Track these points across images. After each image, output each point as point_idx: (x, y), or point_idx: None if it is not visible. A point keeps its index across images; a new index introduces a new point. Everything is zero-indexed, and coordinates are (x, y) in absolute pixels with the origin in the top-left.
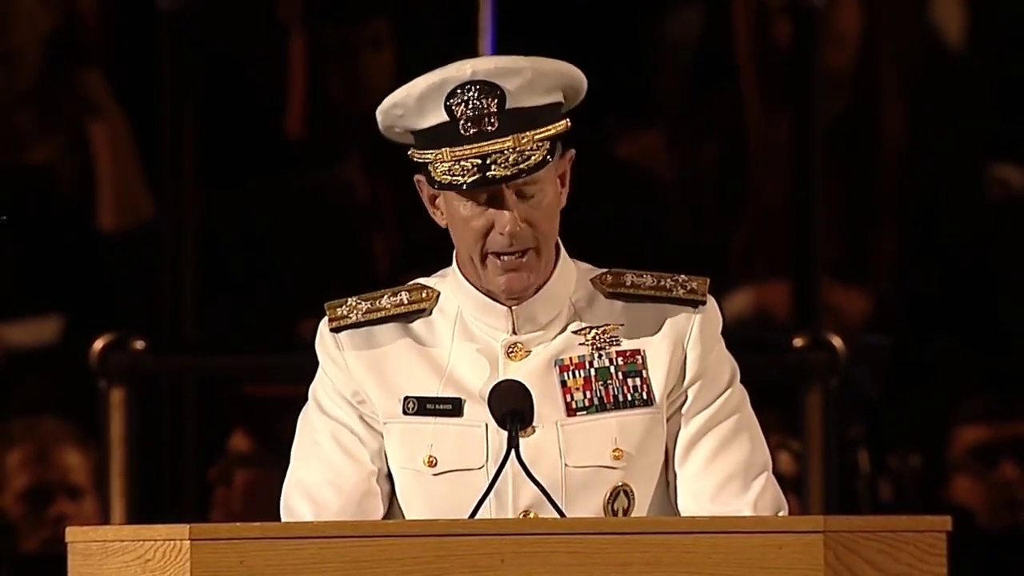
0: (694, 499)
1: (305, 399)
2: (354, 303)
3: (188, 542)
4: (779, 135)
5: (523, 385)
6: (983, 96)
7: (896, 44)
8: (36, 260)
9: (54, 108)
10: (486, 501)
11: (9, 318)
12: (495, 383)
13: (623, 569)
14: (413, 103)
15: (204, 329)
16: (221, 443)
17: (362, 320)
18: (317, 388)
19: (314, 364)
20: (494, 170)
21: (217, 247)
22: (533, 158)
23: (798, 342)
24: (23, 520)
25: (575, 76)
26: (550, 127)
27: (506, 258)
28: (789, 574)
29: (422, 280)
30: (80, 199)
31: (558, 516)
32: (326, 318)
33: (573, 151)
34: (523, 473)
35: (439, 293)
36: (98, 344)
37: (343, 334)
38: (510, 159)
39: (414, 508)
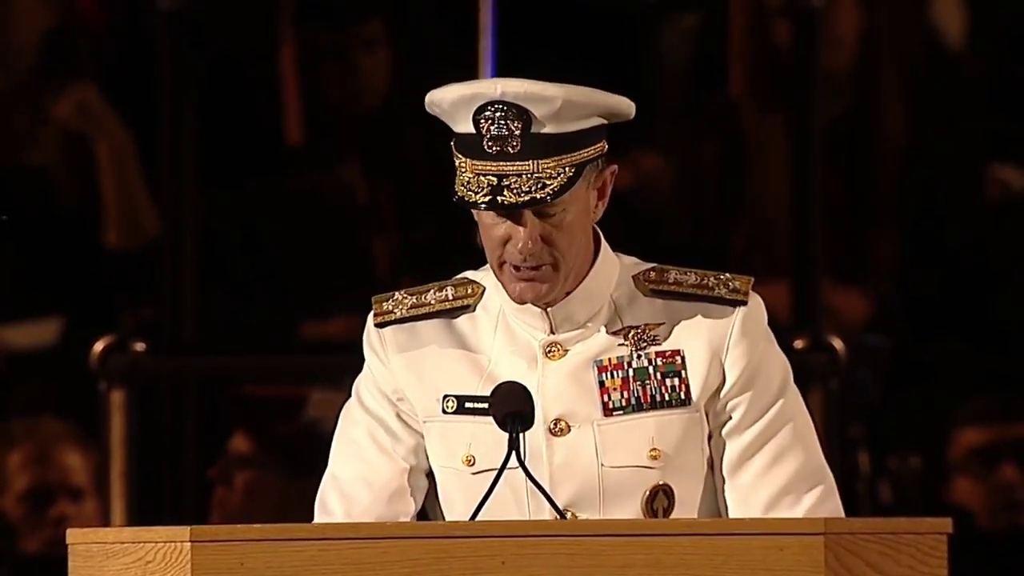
0: (746, 513)
1: (306, 400)
2: (400, 298)
3: (189, 544)
4: (778, 136)
5: (523, 387)
6: (983, 97)
7: (896, 45)
8: (36, 262)
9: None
10: (525, 500)
11: (9, 320)
12: (495, 385)
13: (624, 571)
14: (447, 107)
15: (204, 329)
16: (221, 444)
17: (407, 316)
18: (360, 383)
19: (315, 365)
20: (506, 195)
21: (217, 247)
22: (551, 185)
23: (798, 343)
24: (23, 521)
25: (615, 105)
26: (577, 153)
27: (518, 270)
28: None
29: (470, 274)
30: (80, 200)
31: (599, 517)
32: (372, 312)
33: (615, 167)
34: (561, 472)
35: (484, 289)
36: (98, 346)
37: (387, 330)
38: (525, 185)
39: (455, 507)
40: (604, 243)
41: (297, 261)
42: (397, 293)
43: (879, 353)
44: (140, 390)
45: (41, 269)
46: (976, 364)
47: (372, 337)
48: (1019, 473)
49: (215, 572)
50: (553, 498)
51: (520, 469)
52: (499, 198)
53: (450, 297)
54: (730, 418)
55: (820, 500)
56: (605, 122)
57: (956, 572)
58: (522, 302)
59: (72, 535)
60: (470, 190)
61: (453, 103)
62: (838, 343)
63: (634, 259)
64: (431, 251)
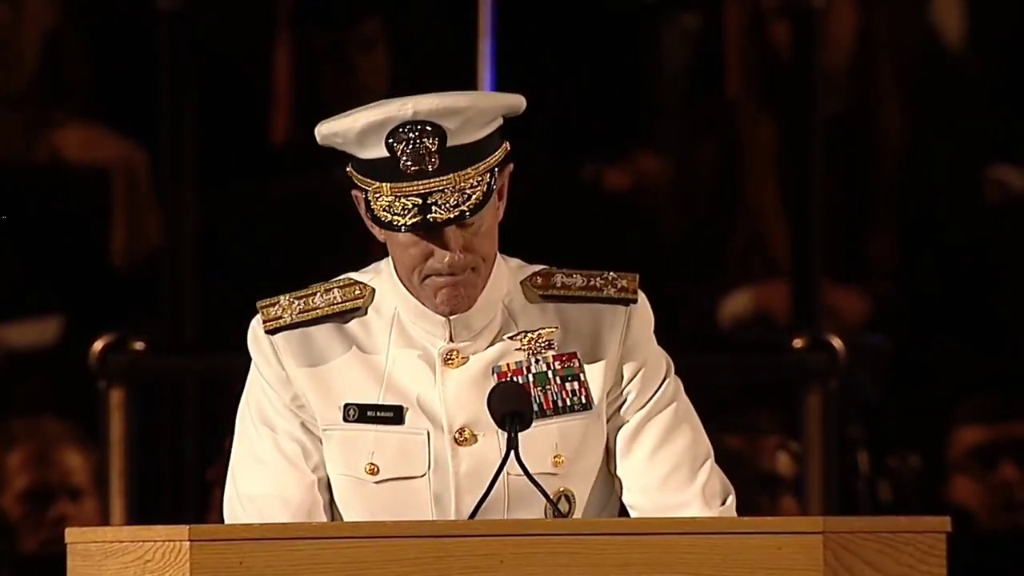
0: (641, 492)
1: None
2: (287, 302)
3: (188, 543)
4: (776, 136)
5: (522, 387)
6: (982, 97)
7: (895, 44)
8: (36, 261)
9: (53, 107)
10: (428, 508)
11: (9, 319)
12: (493, 385)
13: (623, 570)
14: (354, 136)
15: (204, 329)
16: (221, 443)
17: (296, 321)
18: (256, 394)
19: None
20: (435, 212)
21: (217, 247)
22: (474, 196)
23: (798, 343)
24: (23, 521)
25: (515, 104)
26: (490, 158)
27: (442, 279)
28: (789, 574)
29: (354, 275)
30: (80, 199)
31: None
32: (258, 317)
33: (511, 165)
34: (467, 480)
35: (374, 290)
36: (98, 344)
37: (279, 336)
38: (451, 200)
39: (353, 515)
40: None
41: (296, 261)
42: (282, 297)
43: (878, 353)
44: (139, 389)
45: (41, 268)
46: (975, 364)
47: (263, 344)
48: (1018, 472)
49: (214, 571)
50: (459, 506)
51: (424, 478)
52: (429, 216)
53: (338, 300)
54: (620, 407)
55: (711, 475)
56: (502, 123)
57: (955, 571)
58: (451, 314)
59: (71, 534)
60: (394, 214)
61: (362, 131)
62: (837, 343)
63: (518, 261)
64: None
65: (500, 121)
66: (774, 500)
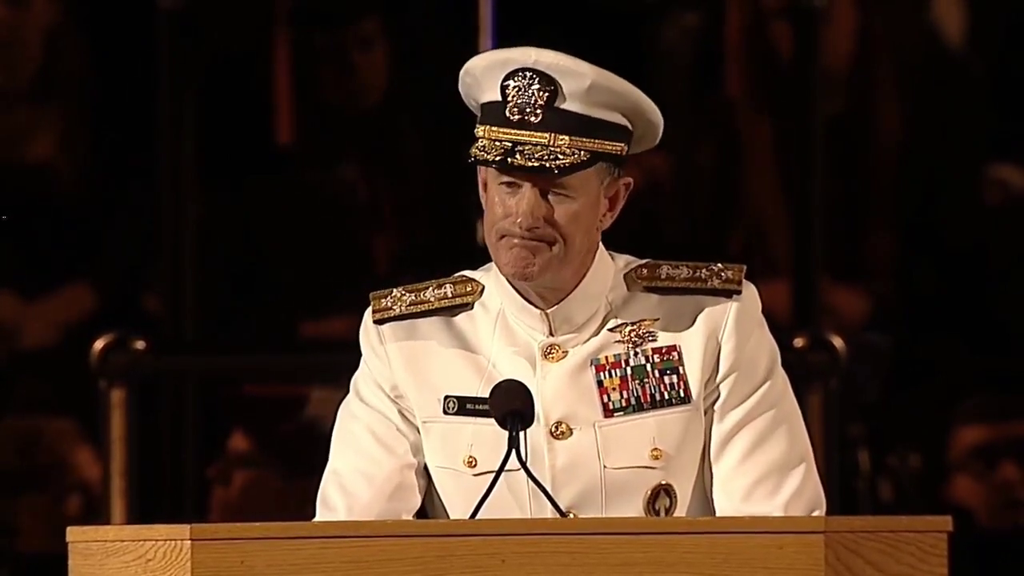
0: (728, 498)
1: (306, 399)
2: (399, 294)
3: (189, 542)
4: (777, 135)
5: (523, 385)
6: (982, 97)
7: (895, 43)
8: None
9: (53, 105)
10: (527, 502)
11: (9, 317)
12: (495, 384)
13: (624, 569)
14: (478, 73)
15: (204, 328)
16: (221, 443)
17: (406, 312)
18: (358, 378)
19: (314, 365)
20: (517, 158)
21: (217, 247)
22: (562, 161)
23: (798, 342)
24: (24, 520)
25: (641, 103)
26: (596, 141)
27: (516, 240)
28: (790, 574)
29: (468, 272)
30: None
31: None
32: (370, 308)
33: (630, 180)
34: (563, 474)
35: (483, 287)
36: (98, 344)
37: (386, 326)
38: (537, 154)
39: (457, 508)
40: (600, 245)
41: (297, 260)
42: (395, 290)
43: (879, 352)
44: (140, 388)
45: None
46: (976, 362)
47: (371, 333)
48: (1019, 471)
49: (215, 570)
50: (555, 499)
51: (522, 471)
52: (510, 159)
53: (449, 295)
54: (714, 402)
55: (800, 488)
56: (629, 125)
57: (956, 570)
58: (515, 275)
59: (72, 533)
60: (483, 151)
61: (486, 67)
62: (838, 342)
63: (627, 257)
64: (430, 250)
65: (623, 119)
66: None
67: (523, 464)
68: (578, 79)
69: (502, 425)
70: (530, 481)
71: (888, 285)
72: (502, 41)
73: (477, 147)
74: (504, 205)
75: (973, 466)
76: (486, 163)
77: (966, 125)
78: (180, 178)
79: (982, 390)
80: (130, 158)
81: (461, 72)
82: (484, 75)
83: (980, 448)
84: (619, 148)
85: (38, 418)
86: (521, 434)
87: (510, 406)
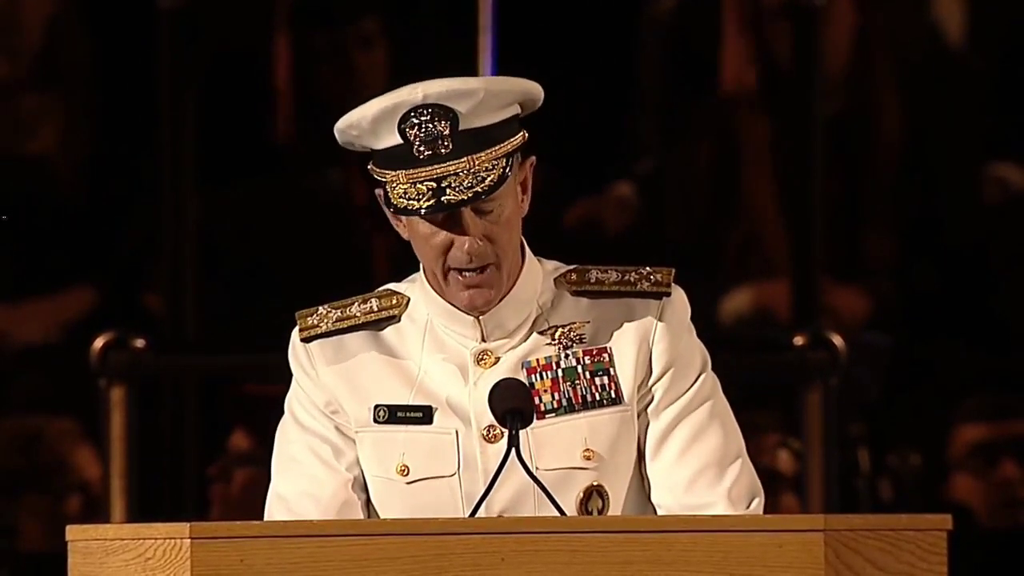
0: (669, 491)
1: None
2: (324, 312)
3: (189, 541)
4: (777, 135)
5: (523, 383)
6: (982, 96)
7: (895, 42)
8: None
9: (52, 99)
10: (460, 506)
11: (9, 316)
12: (495, 382)
13: (624, 567)
14: (367, 125)
15: (204, 327)
16: (221, 442)
17: (332, 329)
18: (292, 400)
19: None
20: (449, 194)
21: (217, 247)
22: (488, 178)
23: (798, 341)
24: (23, 520)
25: (530, 90)
26: (505, 143)
27: (467, 274)
28: (790, 573)
29: (392, 285)
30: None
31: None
32: (296, 328)
33: (533, 158)
34: (495, 476)
35: (409, 299)
36: (98, 342)
37: (314, 344)
38: (464, 182)
39: (389, 517)
40: (528, 249)
41: (296, 259)
42: (321, 308)
43: (879, 351)
44: (140, 387)
45: (40, 266)
46: (976, 362)
47: (299, 352)
48: (1019, 470)
49: (215, 569)
50: (491, 503)
51: (456, 477)
52: (443, 199)
53: (375, 308)
54: (651, 401)
55: (739, 476)
56: (519, 112)
57: (956, 569)
58: (473, 309)
59: (72, 532)
60: (410, 199)
61: (376, 117)
62: (838, 341)
63: (555, 263)
64: None
65: (516, 109)
66: (775, 498)
67: (523, 463)
68: (471, 97)
69: (501, 423)
70: (463, 487)
71: (888, 285)
72: (502, 41)
73: (398, 195)
74: (439, 239)
75: (973, 465)
76: (420, 212)
77: (966, 124)
78: (180, 178)
79: (982, 390)
80: (130, 158)
81: (341, 126)
82: (375, 125)
83: (980, 447)
84: (522, 136)
85: (38, 417)
86: (456, 440)
87: (509, 404)
